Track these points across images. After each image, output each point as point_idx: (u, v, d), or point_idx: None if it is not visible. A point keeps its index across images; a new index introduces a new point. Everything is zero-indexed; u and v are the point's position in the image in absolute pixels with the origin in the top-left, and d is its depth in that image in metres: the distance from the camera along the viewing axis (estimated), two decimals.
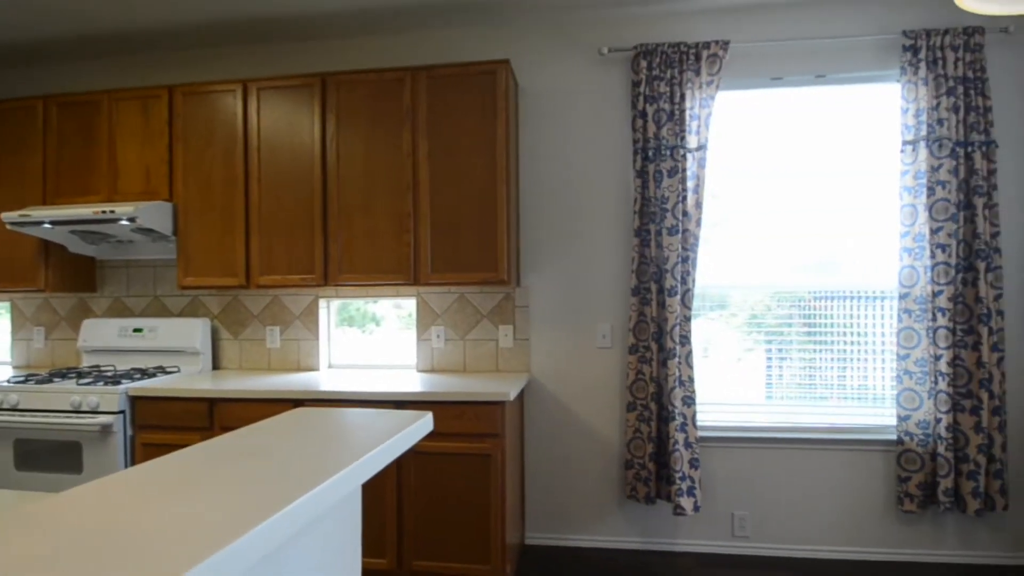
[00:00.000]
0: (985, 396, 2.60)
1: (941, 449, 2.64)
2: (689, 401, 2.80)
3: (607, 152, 3.02)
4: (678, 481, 2.76)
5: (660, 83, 2.82)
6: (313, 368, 3.25)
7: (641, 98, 2.84)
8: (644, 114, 2.84)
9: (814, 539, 2.89)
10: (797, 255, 2.96)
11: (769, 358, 3.02)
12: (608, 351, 3.02)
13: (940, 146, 2.61)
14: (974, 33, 2.62)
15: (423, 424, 1.47)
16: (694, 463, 2.80)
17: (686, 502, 2.76)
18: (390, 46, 3.21)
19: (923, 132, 2.63)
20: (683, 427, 2.79)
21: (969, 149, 2.60)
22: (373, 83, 2.86)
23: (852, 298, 2.92)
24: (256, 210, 2.96)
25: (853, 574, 2.71)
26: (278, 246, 2.95)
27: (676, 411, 2.78)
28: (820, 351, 2.95)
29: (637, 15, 2.98)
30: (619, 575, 2.73)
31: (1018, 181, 2.76)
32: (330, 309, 3.35)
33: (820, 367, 2.95)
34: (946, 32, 2.63)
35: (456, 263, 2.80)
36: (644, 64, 2.84)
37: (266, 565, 1.02)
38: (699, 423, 2.96)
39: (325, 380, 2.86)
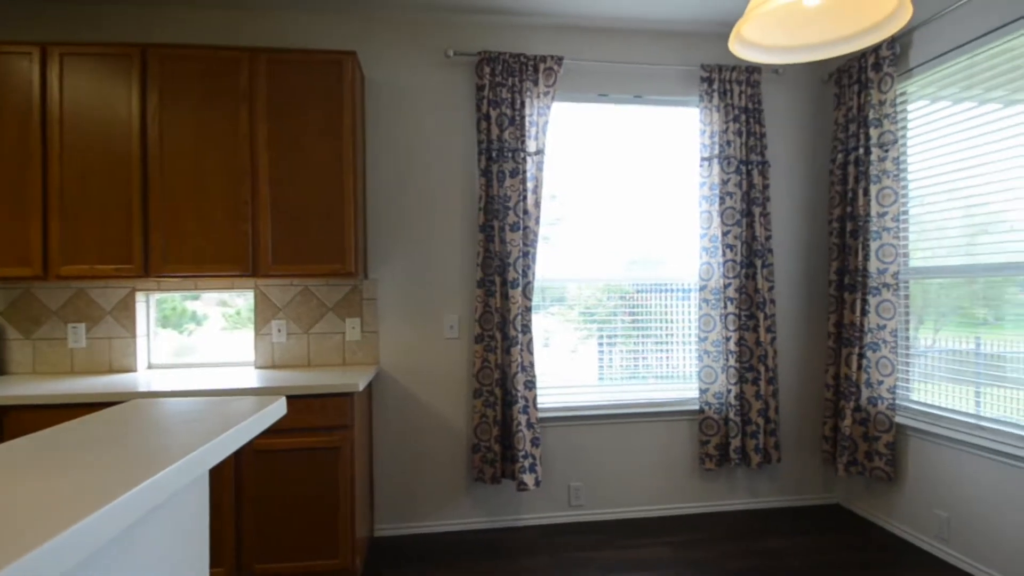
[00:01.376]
0: (762, 369, 3.21)
1: (731, 415, 3.20)
2: (530, 385, 3.06)
3: (454, 150, 3.18)
4: (521, 460, 3.00)
5: (502, 89, 3.05)
6: (130, 369, 2.96)
7: (485, 102, 3.05)
8: (488, 117, 3.05)
9: (637, 500, 3.32)
10: (623, 253, 3.38)
11: (601, 345, 3.40)
12: (455, 341, 3.18)
13: (729, 163, 3.18)
14: (753, 71, 3.23)
15: (277, 407, 1.48)
16: (535, 442, 3.06)
17: (528, 478, 3.02)
18: (228, 21, 3.06)
19: (716, 151, 3.18)
20: (525, 409, 3.04)
21: (749, 167, 3.21)
22: (205, 60, 2.71)
23: (666, 290, 3.42)
24: (57, 191, 2.64)
25: (668, 527, 3.18)
26: (86, 232, 2.65)
27: (519, 395, 3.02)
28: (642, 338, 3.40)
29: (482, 23, 3.19)
30: (467, 554, 2.90)
31: (785, 194, 3.45)
32: (150, 303, 3.07)
33: (642, 351, 3.40)
34: (733, 68, 3.21)
35: (301, 254, 2.75)
36: (488, 70, 3.05)
37: (115, 548, 0.99)
38: (540, 405, 3.24)
39: (147, 381, 2.64)
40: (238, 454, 2.48)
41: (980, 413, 2.66)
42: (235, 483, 2.46)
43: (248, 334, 3.11)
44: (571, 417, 3.26)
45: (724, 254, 3.19)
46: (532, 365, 3.07)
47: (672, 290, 3.42)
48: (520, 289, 3.04)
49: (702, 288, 3.23)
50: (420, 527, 3.16)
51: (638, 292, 3.41)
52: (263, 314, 3.04)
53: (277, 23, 3.08)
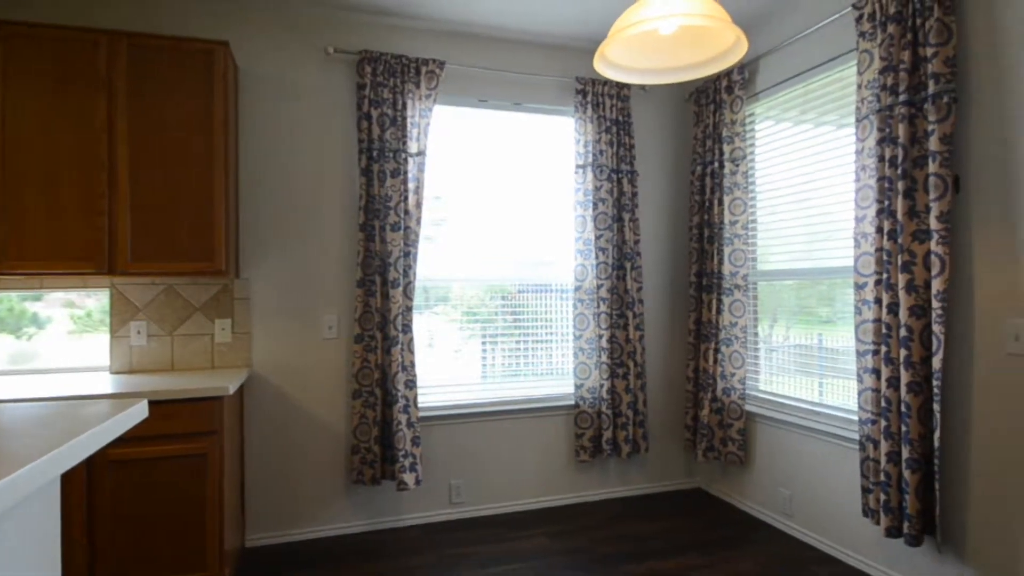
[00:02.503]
0: (632, 365, 3.47)
1: (604, 408, 3.43)
2: (411, 384, 3.12)
3: (335, 148, 3.18)
4: (401, 459, 3.05)
5: (384, 89, 3.09)
6: None
7: (366, 101, 3.07)
8: (369, 117, 3.07)
9: (517, 494, 3.47)
10: (505, 254, 3.52)
11: (484, 344, 3.52)
12: (334, 342, 3.17)
13: (601, 171, 3.42)
14: (623, 87, 3.50)
15: (138, 410, 1.44)
16: (416, 441, 3.11)
17: (408, 478, 3.06)
18: (90, 0, 2.86)
19: (590, 159, 3.41)
20: (406, 409, 3.09)
21: (620, 175, 3.47)
22: (59, 41, 2.53)
23: (546, 291, 3.60)
24: None
25: (546, 518, 3.34)
26: None
27: (399, 394, 3.06)
28: (523, 336, 3.55)
29: (364, 22, 3.21)
30: (347, 558, 2.89)
31: (652, 202, 3.75)
32: None
33: (523, 350, 3.55)
34: (605, 83, 3.46)
35: (165, 251, 2.64)
36: (369, 70, 3.08)
37: None
38: (422, 404, 3.30)
39: None
40: (90, 465, 2.33)
41: (816, 400, 3.04)
42: (88, 496, 2.31)
43: (102, 338, 2.92)
44: (453, 415, 3.35)
45: (597, 256, 3.41)
46: (413, 365, 3.13)
47: (551, 290, 3.60)
48: (401, 289, 3.09)
49: (577, 288, 3.44)
50: (297, 534, 3.11)
51: (520, 292, 3.56)
52: (120, 315, 2.87)
53: (145, 6, 2.93)
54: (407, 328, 3.12)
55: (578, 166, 3.43)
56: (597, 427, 3.49)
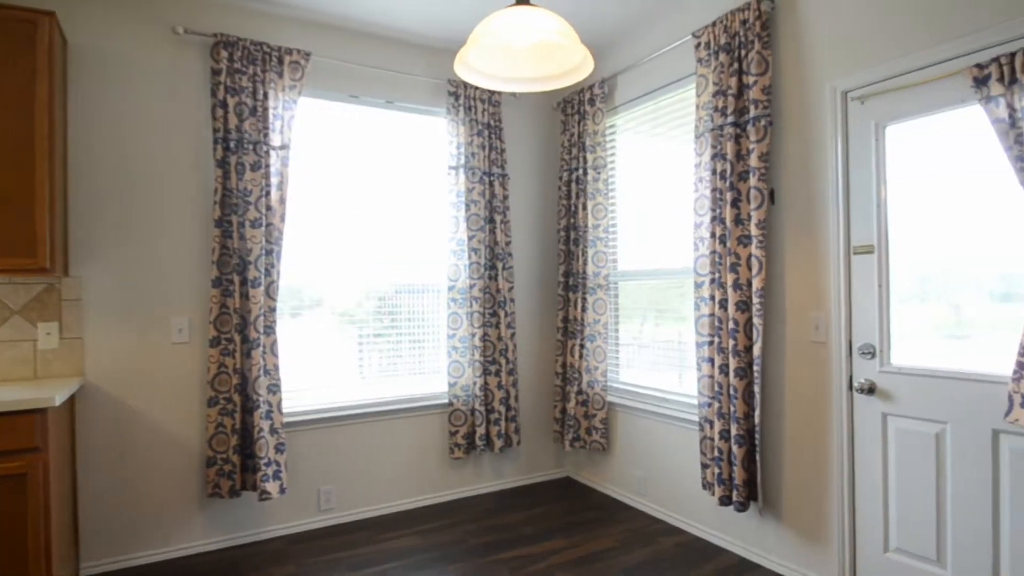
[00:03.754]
0: (503, 362, 3.63)
1: (477, 405, 3.56)
2: (275, 389, 3.02)
3: (186, 137, 3.00)
4: (264, 467, 2.94)
5: (242, 77, 2.97)
6: None
7: (222, 88, 2.94)
8: (225, 104, 2.94)
9: (391, 496, 3.48)
10: (380, 255, 3.52)
11: (361, 346, 3.49)
12: (185, 346, 2.99)
13: (473, 173, 3.54)
14: (494, 93, 3.65)
15: None
16: (280, 448, 3.02)
17: (272, 486, 2.97)
18: None
19: (462, 161, 3.52)
20: (269, 415, 2.99)
21: (492, 178, 3.62)
22: None
23: (421, 291, 3.65)
24: None
25: (420, 517, 3.39)
26: None
27: (261, 400, 2.96)
28: (399, 337, 3.57)
29: (219, 3, 3.06)
30: None
31: (523, 205, 3.95)
32: None
33: (399, 350, 3.57)
34: (476, 87, 3.59)
35: None
36: (225, 54, 2.94)
37: None
38: (290, 409, 3.21)
39: None
40: None
41: (666, 388, 3.38)
42: None
43: None
44: (325, 419, 3.29)
45: (470, 257, 3.53)
46: (277, 368, 3.03)
47: (426, 291, 3.66)
48: (263, 288, 2.98)
49: (451, 288, 3.54)
50: (144, 557, 2.89)
51: (396, 293, 3.58)
52: None
53: None
54: (270, 330, 3.02)
55: (451, 167, 3.53)
56: (471, 424, 3.60)
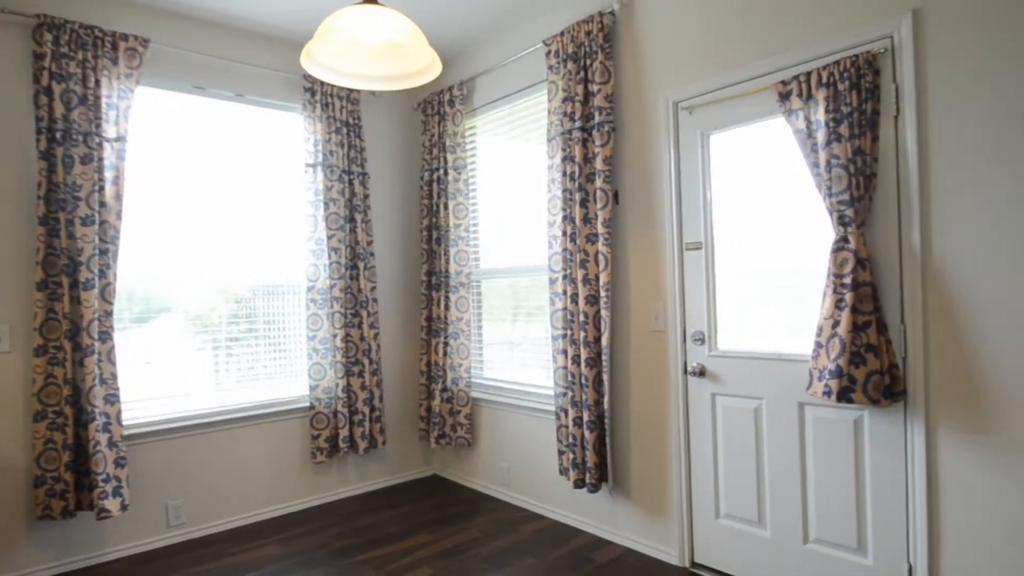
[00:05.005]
0: (367, 362, 3.63)
1: (340, 407, 3.53)
2: (113, 399, 2.82)
3: (2, 126, 2.72)
4: (102, 484, 2.74)
5: (70, 63, 2.75)
6: None
7: (46, 73, 2.70)
8: (50, 91, 2.70)
9: (248, 506, 3.36)
10: (235, 256, 3.38)
11: (216, 351, 3.33)
12: (6, 356, 2.71)
13: (332, 171, 3.51)
14: (352, 90, 3.64)
15: None
16: (120, 462, 2.82)
17: (112, 504, 2.76)
18: None
19: (320, 158, 3.48)
20: (107, 427, 2.79)
21: (351, 176, 3.61)
22: None
23: (280, 293, 3.55)
24: None
25: (282, 525, 3.30)
26: None
27: (97, 411, 2.75)
28: (257, 340, 3.45)
29: None
30: None
31: (385, 204, 3.97)
32: None
33: (257, 354, 3.45)
34: (333, 84, 3.56)
35: None
36: (50, 37, 2.71)
37: None
38: (135, 420, 3.01)
39: None
40: None
41: (527, 382, 3.55)
42: None
43: None
44: (175, 429, 3.11)
45: (330, 256, 3.50)
46: (115, 377, 2.83)
47: (285, 292, 3.57)
48: (97, 291, 2.77)
49: (310, 289, 3.48)
50: None
51: (253, 296, 3.46)
52: None
53: None
54: (106, 336, 2.81)
55: (308, 165, 3.47)
56: (334, 426, 3.56)
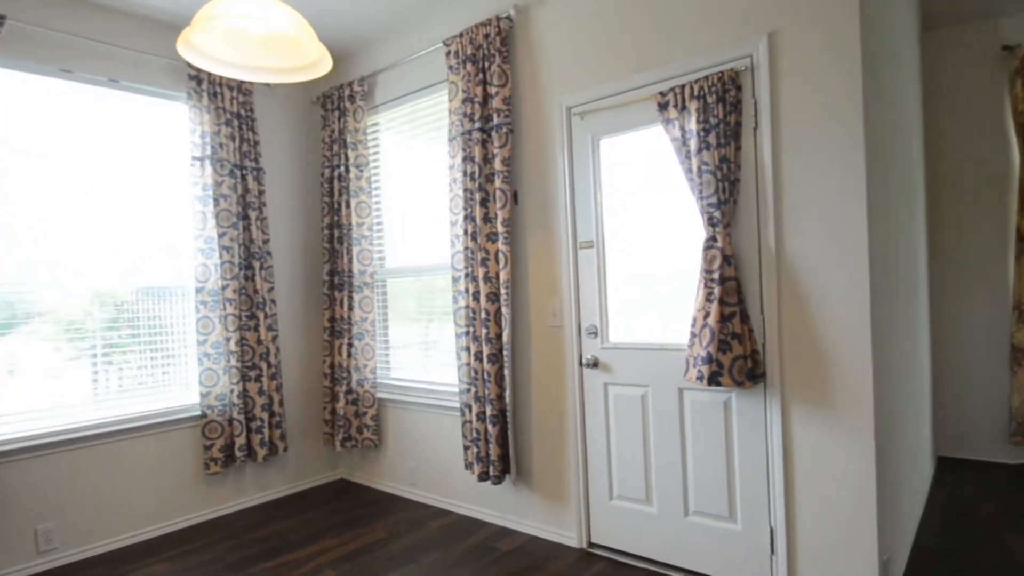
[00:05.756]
0: (264, 366, 3.56)
1: (235, 414, 3.43)
2: None
3: None
4: None
5: None
6: None
7: None
8: None
9: (133, 525, 3.20)
10: (115, 256, 3.19)
11: (94, 360, 3.13)
12: None
13: (222, 165, 3.41)
14: (244, 82, 3.55)
15: None
16: None
17: None
18: None
19: (209, 152, 3.37)
20: None
21: (244, 172, 3.51)
22: None
23: (166, 295, 3.39)
24: None
25: (172, 542, 3.17)
26: None
27: None
28: (140, 346, 3.28)
29: None
30: None
31: (284, 200, 3.90)
32: None
33: (142, 362, 3.28)
34: None
35: None
36: None
37: None
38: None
39: None
40: None
41: (433, 380, 3.62)
42: None
43: None
44: (45, 446, 2.90)
45: (221, 256, 3.39)
46: None
47: (172, 294, 3.42)
48: None
49: (199, 290, 3.36)
50: None
51: (136, 299, 3.29)
52: None
53: None
54: None
55: (195, 158, 3.35)
56: (229, 435, 3.46)
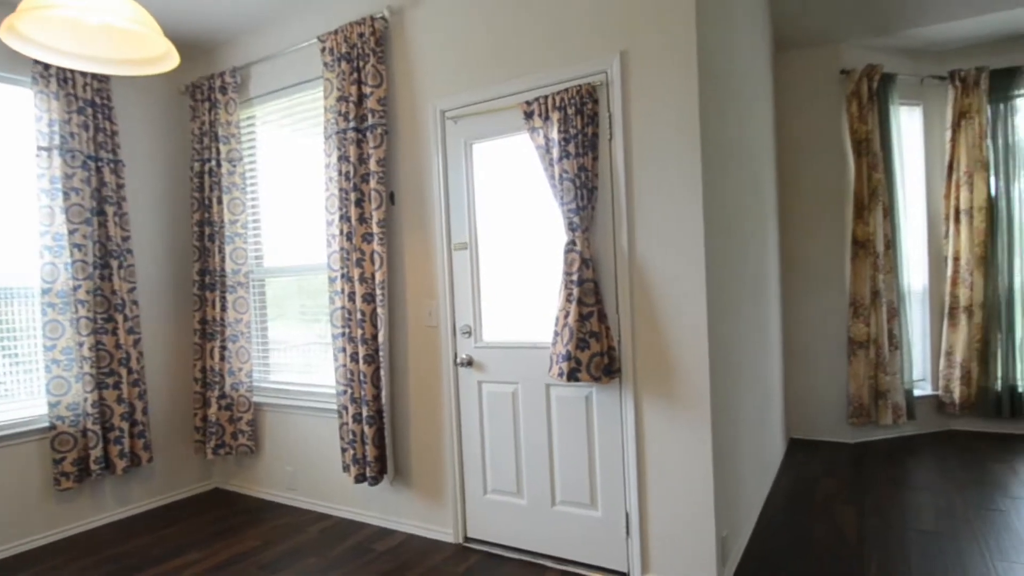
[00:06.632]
0: (124, 372, 3.36)
1: (90, 424, 3.22)
2: None
3: None
4: None
5: None
6: None
7: None
8: None
9: None
10: None
11: None
12: None
13: (73, 157, 3.18)
14: None
15: None
16: None
17: None
18: None
19: (57, 141, 3.13)
20: None
21: (100, 164, 3.30)
22: None
23: (8, 297, 3.12)
24: None
25: (16, 567, 2.93)
26: None
27: None
28: None
29: None
30: None
31: (147, 195, 3.70)
32: None
33: None
34: None
35: None
36: None
37: None
38: None
39: None
40: None
41: (311, 382, 3.57)
42: None
43: None
44: None
45: (72, 254, 3.17)
46: None
47: (15, 296, 3.15)
48: None
49: (46, 291, 3.12)
50: None
51: None
52: None
53: None
54: None
55: (41, 148, 3.10)
56: (83, 447, 3.24)
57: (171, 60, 1.97)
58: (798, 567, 2.60)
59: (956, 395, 4.32)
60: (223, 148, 3.56)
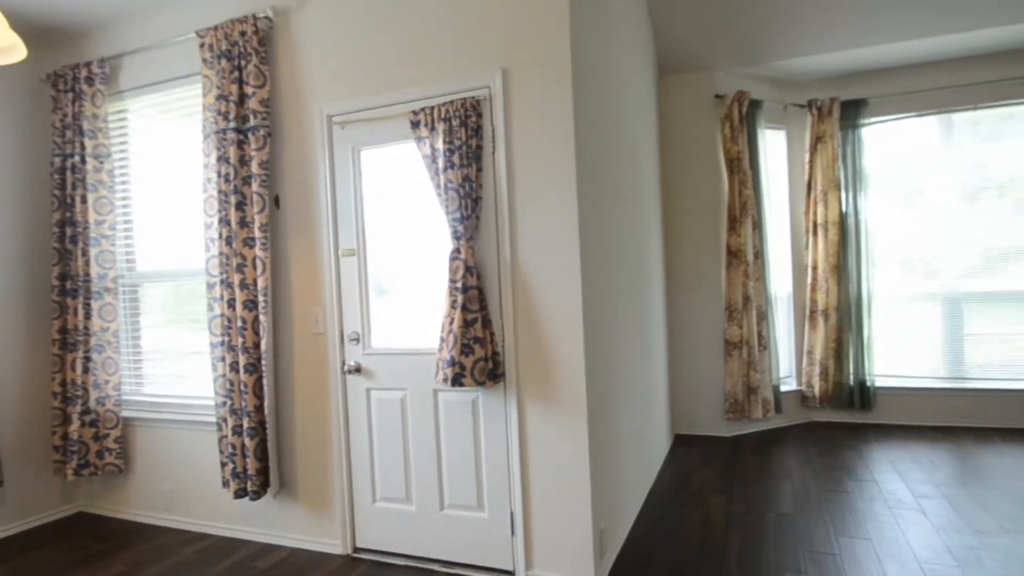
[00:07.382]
0: None
1: None
2: None
3: None
4: None
5: None
6: None
7: None
8: None
9: None
10: None
11: None
12: None
13: None
14: None
15: None
16: None
17: None
18: None
19: None
20: None
21: None
22: None
23: None
24: None
25: None
26: None
27: None
28: None
29: None
30: None
31: None
32: None
33: None
34: None
35: None
36: None
37: None
38: None
39: None
40: None
41: (188, 395, 3.39)
42: None
43: None
44: None
45: None
46: None
47: None
48: None
49: None
50: None
51: None
52: None
53: None
54: None
55: None
56: None
57: (17, 52, 1.85)
58: (670, 553, 2.81)
59: (816, 390, 4.80)
60: (88, 143, 3.33)
